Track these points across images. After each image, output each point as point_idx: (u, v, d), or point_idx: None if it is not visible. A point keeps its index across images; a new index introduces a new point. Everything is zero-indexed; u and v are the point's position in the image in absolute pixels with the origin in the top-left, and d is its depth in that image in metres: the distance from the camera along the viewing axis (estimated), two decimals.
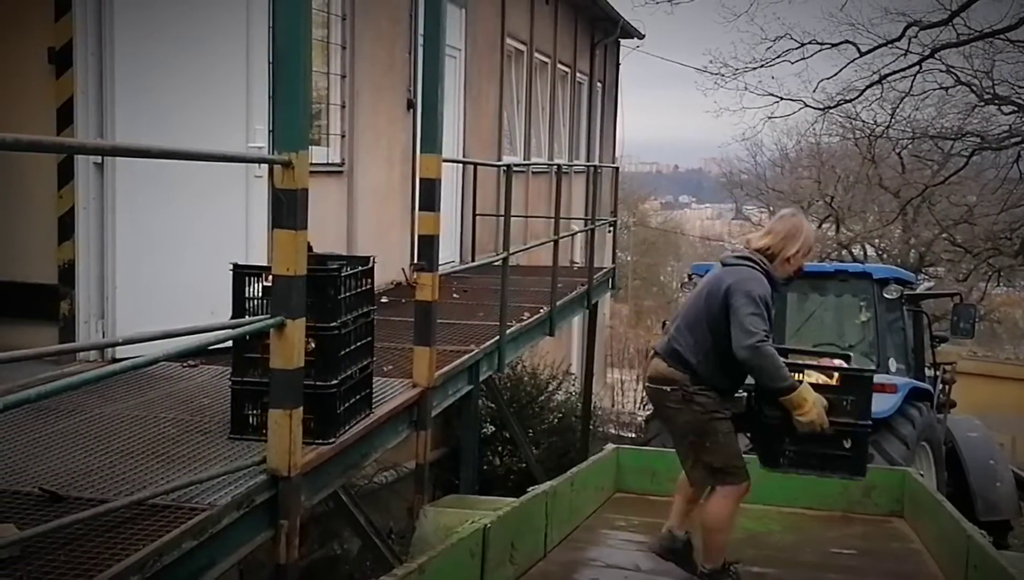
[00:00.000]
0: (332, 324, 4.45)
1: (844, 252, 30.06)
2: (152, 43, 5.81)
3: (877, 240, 31.21)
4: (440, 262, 5.94)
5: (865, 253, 31.60)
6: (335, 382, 4.46)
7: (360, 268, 4.80)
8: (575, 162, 16.12)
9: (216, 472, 3.86)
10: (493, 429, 10.67)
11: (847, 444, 4.61)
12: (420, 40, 8.80)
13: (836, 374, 4.69)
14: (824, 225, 33.38)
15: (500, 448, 10.70)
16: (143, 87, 5.75)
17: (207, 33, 6.04)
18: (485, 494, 7.70)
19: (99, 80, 5.63)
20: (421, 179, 5.58)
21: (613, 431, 16.17)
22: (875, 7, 44.79)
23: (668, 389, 4.72)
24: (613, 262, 13.69)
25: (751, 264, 4.64)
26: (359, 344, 4.78)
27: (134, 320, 5.52)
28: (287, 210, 3.91)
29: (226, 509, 3.64)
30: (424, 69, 5.62)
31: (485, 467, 10.39)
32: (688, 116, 66.85)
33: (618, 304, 33.04)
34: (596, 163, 15.97)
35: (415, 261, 5.34)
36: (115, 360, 5.19)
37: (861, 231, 30.70)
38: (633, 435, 14.50)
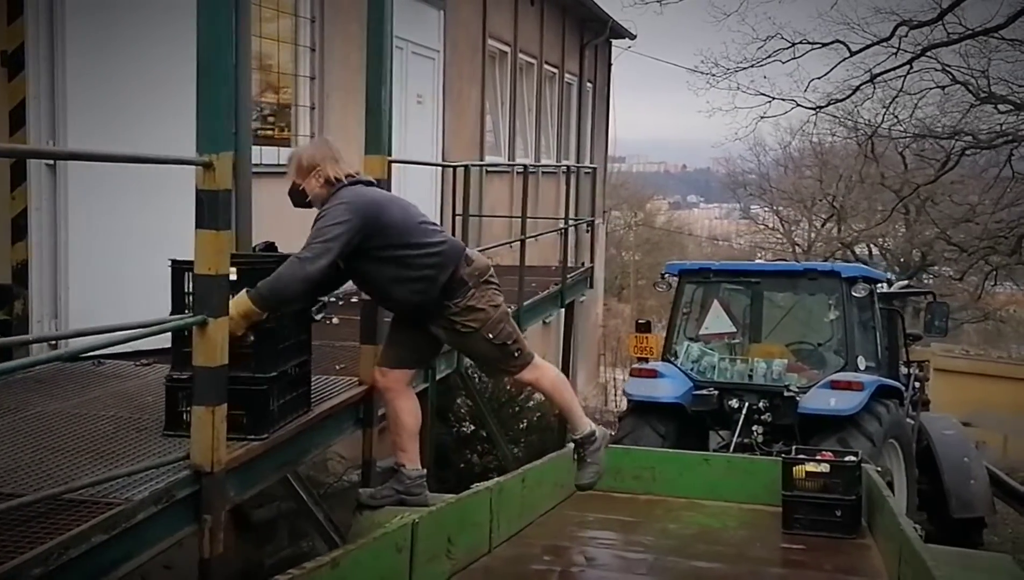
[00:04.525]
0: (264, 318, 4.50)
1: (847, 251, 30.03)
2: (104, 46, 5.86)
3: (880, 239, 31.17)
4: None
5: (869, 252, 31.56)
6: (267, 378, 4.51)
7: None
8: (562, 163, 16.12)
9: (136, 468, 3.91)
10: (473, 428, 10.71)
11: (839, 513, 5.97)
12: (393, 42, 8.82)
13: (828, 464, 6.12)
14: (828, 224, 33.36)
15: (479, 447, 10.74)
16: (95, 90, 5.81)
17: (159, 36, 6.08)
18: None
19: (51, 83, 5.70)
20: None
21: None
22: (866, 6, 44.86)
23: None
24: (591, 261, 13.73)
25: None
26: (295, 341, 4.83)
27: (87, 319, 5.49)
28: (208, 211, 3.98)
29: (142, 504, 3.68)
30: (368, 68, 5.63)
31: (463, 466, 10.42)
32: (683, 117, 67.07)
33: (621, 304, 33.03)
34: (572, 164, 15.96)
35: None
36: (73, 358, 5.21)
37: (863, 230, 30.66)
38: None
